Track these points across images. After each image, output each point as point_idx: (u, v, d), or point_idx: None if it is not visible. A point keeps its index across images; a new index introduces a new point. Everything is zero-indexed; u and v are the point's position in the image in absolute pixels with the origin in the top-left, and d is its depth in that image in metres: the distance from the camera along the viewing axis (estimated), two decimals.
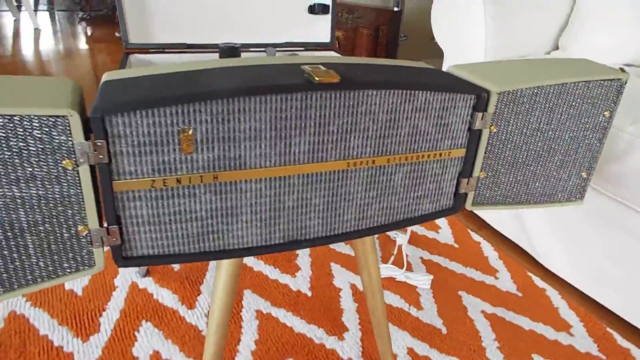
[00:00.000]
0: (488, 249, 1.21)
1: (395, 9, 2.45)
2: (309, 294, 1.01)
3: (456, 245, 1.22)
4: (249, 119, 0.49)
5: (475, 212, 1.34)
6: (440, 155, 0.62)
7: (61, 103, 0.42)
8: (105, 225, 0.48)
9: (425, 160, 0.61)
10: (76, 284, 0.99)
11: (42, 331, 0.87)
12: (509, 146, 0.65)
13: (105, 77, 0.51)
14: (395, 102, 0.55)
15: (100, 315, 0.91)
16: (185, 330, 0.89)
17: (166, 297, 0.97)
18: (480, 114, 0.61)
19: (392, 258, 1.14)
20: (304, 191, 0.56)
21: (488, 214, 1.29)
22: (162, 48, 0.84)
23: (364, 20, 2.53)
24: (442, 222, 1.33)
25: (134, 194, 0.48)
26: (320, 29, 0.94)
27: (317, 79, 0.49)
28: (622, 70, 0.61)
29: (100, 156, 0.45)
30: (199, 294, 0.98)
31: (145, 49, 0.82)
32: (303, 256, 1.13)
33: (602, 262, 1.02)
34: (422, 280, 1.05)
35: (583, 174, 0.72)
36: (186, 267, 1.06)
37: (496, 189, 0.68)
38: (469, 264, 1.15)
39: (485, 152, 0.64)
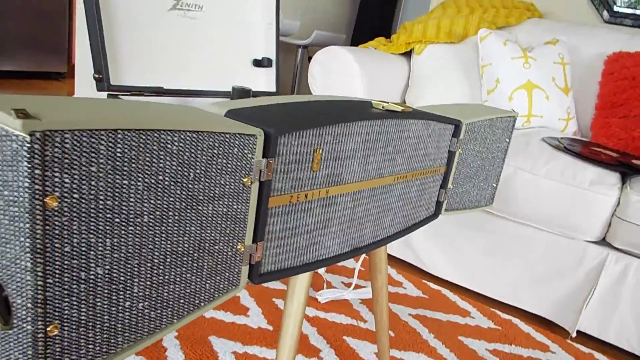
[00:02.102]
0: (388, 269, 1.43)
1: None
2: (270, 328, 1.05)
3: (362, 268, 1.40)
4: (350, 140, 0.60)
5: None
6: (436, 171, 0.80)
7: (247, 126, 0.46)
8: (253, 240, 0.51)
9: (429, 175, 0.79)
10: None
11: None
12: (465, 164, 0.88)
13: (217, 108, 0.54)
14: (420, 129, 0.72)
15: None
16: None
17: None
18: (455, 139, 0.82)
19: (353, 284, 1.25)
20: (368, 202, 0.67)
21: None
22: (140, 91, 0.83)
23: None
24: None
25: (273, 210, 0.53)
26: (266, 79, 1.05)
27: (398, 107, 0.63)
28: (513, 110, 0.91)
29: (269, 173, 0.49)
30: None
31: (126, 91, 0.81)
32: (245, 296, 1.15)
33: (474, 259, 1.34)
34: (366, 292, 1.20)
35: (494, 184, 1.00)
36: None
37: (456, 197, 0.90)
38: None
39: (454, 169, 0.85)
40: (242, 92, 0.78)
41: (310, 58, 3.02)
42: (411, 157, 0.73)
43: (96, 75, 0.77)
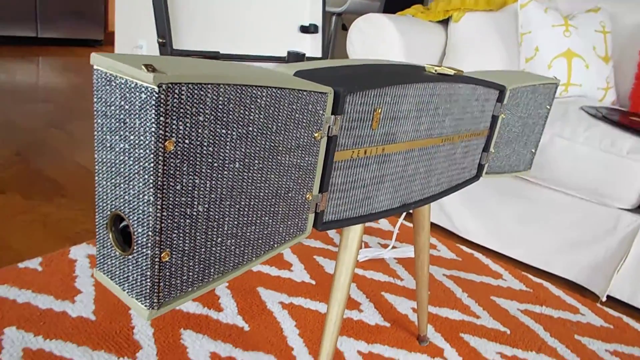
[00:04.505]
0: None
1: None
2: (313, 282, 1.11)
3: (398, 231, 1.46)
4: (405, 101, 0.63)
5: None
6: (479, 134, 0.84)
7: (319, 85, 0.51)
8: (319, 191, 0.56)
9: (473, 138, 0.82)
10: (83, 309, 0.91)
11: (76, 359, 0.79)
12: (507, 129, 0.91)
13: (286, 69, 0.59)
14: (468, 93, 0.76)
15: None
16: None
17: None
18: (500, 104, 0.85)
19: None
20: (417, 162, 0.71)
21: None
22: (199, 56, 0.88)
23: None
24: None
25: (336, 164, 0.58)
26: (312, 45, 1.09)
27: (451, 72, 0.66)
28: (555, 77, 0.93)
29: (336, 129, 0.54)
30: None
31: (186, 55, 0.86)
32: (288, 253, 1.22)
33: (507, 225, 1.38)
34: (402, 252, 1.25)
35: (532, 150, 1.03)
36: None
37: (497, 161, 0.93)
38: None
39: (497, 133, 0.88)
40: (297, 57, 0.81)
41: (344, 25, 3.01)
42: (458, 120, 0.76)
43: (160, 40, 0.82)
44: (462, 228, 1.46)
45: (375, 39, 1.52)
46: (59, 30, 3.51)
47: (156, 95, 0.35)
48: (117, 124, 0.38)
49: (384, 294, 1.12)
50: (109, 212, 0.42)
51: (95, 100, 0.40)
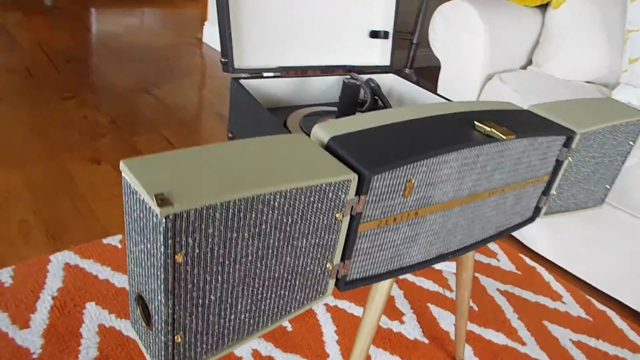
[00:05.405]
0: None
1: None
2: None
3: None
4: (445, 167, 0.61)
5: None
6: (537, 181, 0.79)
7: (345, 169, 0.51)
8: (341, 259, 0.58)
9: (529, 185, 0.78)
10: None
11: None
12: (574, 170, 0.84)
13: (323, 132, 0.59)
14: (526, 145, 0.71)
15: None
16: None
17: None
18: (566, 149, 0.78)
19: None
20: (459, 217, 0.69)
21: None
22: (260, 72, 0.90)
23: None
24: None
25: (362, 233, 0.59)
26: (381, 52, 1.05)
27: (502, 136, 0.62)
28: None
29: (360, 207, 0.54)
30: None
31: (247, 73, 0.88)
32: None
33: (576, 242, 1.30)
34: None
35: (607, 186, 0.94)
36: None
37: (559, 201, 0.88)
38: None
39: (560, 176, 0.82)
40: (351, 90, 0.80)
41: None
42: (511, 172, 0.72)
43: (222, 60, 0.84)
44: (529, 236, 1.39)
45: (459, 28, 1.43)
46: None
47: (164, 224, 0.38)
48: (138, 228, 0.43)
49: (429, 306, 1.13)
50: (136, 290, 0.47)
51: (124, 197, 0.44)
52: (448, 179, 0.63)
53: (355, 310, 1.08)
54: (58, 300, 0.97)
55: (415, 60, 2.97)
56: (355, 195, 0.53)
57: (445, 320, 1.10)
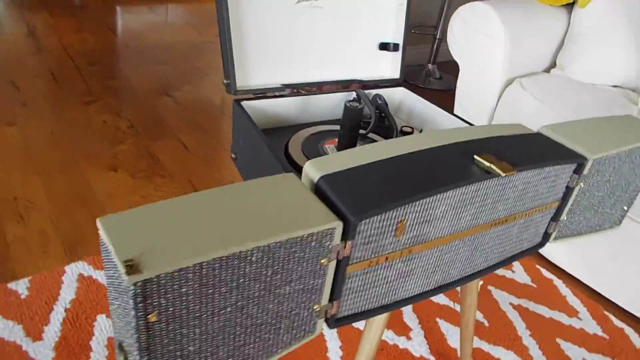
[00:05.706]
0: None
1: None
2: None
3: None
4: (441, 204, 0.60)
5: None
6: (546, 208, 0.76)
7: (330, 216, 0.50)
8: (329, 300, 0.57)
9: (537, 213, 0.75)
10: None
11: None
12: (586, 195, 0.81)
13: (313, 170, 0.58)
14: (531, 175, 0.68)
15: None
16: None
17: None
18: (577, 176, 0.75)
19: None
20: (458, 249, 0.68)
21: None
22: (263, 92, 0.89)
23: None
24: None
25: (352, 273, 0.58)
26: (392, 64, 1.03)
27: (501, 173, 0.60)
28: None
29: (347, 251, 0.54)
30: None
31: (251, 93, 0.87)
32: None
33: (596, 255, 1.25)
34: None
35: (625, 207, 0.90)
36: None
37: (571, 226, 0.84)
38: None
39: (571, 202, 0.79)
40: (353, 113, 0.79)
41: None
42: (516, 202, 0.70)
43: (225, 81, 0.84)
44: (547, 247, 1.35)
45: (477, 31, 1.38)
46: None
47: (132, 290, 0.38)
48: (113, 286, 0.43)
49: (438, 321, 1.12)
50: (119, 338, 0.48)
51: (102, 253, 0.45)
52: (444, 215, 0.61)
53: (362, 325, 1.07)
54: (70, 313, 1.00)
55: (439, 54, 2.90)
56: (342, 240, 0.53)
57: (454, 336, 1.08)
